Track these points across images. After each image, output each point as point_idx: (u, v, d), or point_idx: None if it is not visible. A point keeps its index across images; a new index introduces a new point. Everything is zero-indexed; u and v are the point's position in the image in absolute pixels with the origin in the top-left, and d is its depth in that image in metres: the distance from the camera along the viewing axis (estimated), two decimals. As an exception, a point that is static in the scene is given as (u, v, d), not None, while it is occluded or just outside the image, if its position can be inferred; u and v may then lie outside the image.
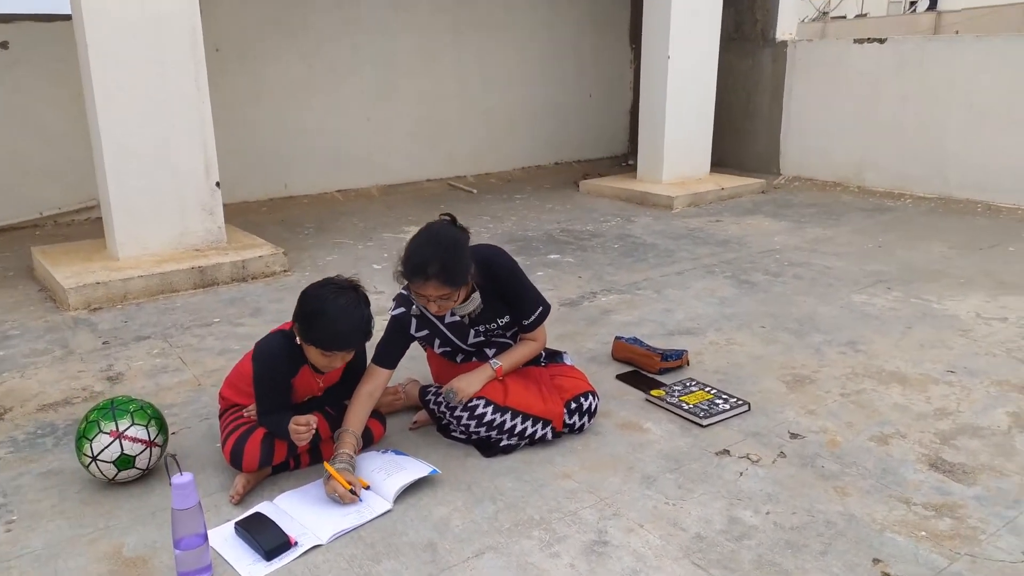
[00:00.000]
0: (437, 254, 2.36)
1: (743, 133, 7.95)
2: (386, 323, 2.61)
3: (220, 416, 2.57)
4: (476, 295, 2.57)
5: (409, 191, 7.41)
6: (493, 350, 2.71)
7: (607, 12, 8.77)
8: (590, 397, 2.68)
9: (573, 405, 2.63)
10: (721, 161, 7.60)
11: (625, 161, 8.96)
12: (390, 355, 2.56)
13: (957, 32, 24.38)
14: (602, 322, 3.78)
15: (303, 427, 2.23)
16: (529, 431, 2.56)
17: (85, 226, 5.95)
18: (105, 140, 4.26)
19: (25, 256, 5.08)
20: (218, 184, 4.68)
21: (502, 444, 2.54)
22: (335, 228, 5.94)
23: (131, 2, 4.18)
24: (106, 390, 3.09)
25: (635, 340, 3.36)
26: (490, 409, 2.53)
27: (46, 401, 3.00)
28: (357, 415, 2.43)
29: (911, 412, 2.79)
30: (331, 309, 2.23)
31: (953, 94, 6.32)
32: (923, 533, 2.10)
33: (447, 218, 2.53)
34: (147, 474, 2.40)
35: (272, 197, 6.80)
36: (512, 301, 2.62)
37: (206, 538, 1.95)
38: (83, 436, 2.30)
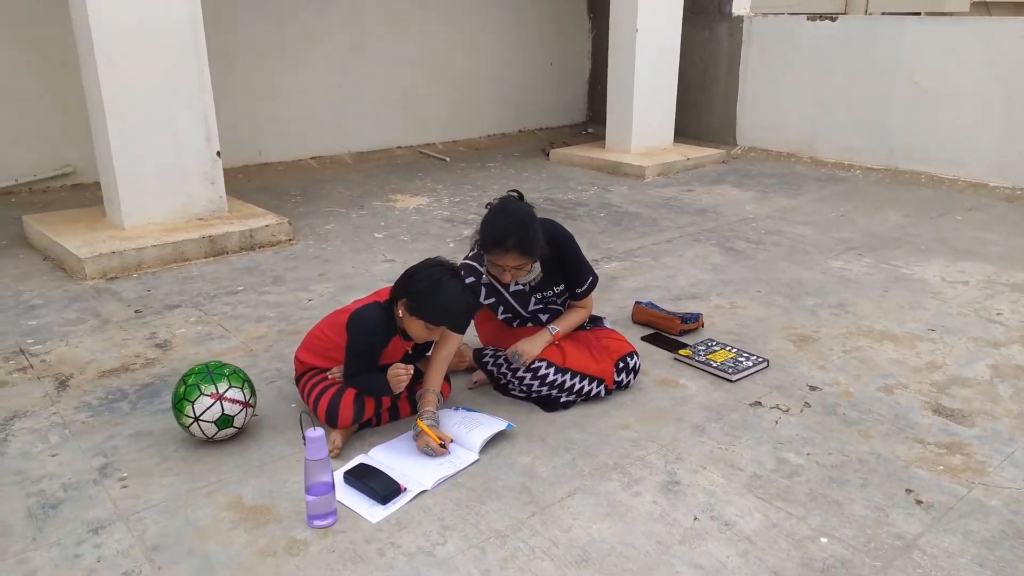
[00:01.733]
0: (515, 228, 2.59)
1: (700, 105, 8.30)
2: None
3: (298, 379, 2.73)
4: (537, 265, 2.80)
5: (382, 158, 7.47)
6: (547, 316, 2.94)
7: (567, -19, 8.93)
8: (634, 357, 2.95)
9: (620, 364, 2.90)
10: (681, 131, 7.91)
11: (585, 129, 9.22)
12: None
13: (867, 2, 25.62)
14: (612, 288, 4.06)
15: (403, 372, 2.42)
16: (585, 389, 2.82)
17: (61, 193, 5.82)
18: (108, 110, 4.22)
19: (11, 224, 4.98)
20: (219, 153, 4.70)
21: (562, 401, 2.80)
22: (321, 196, 5.99)
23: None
24: (159, 357, 3.18)
25: (652, 304, 3.65)
26: (552, 370, 2.78)
27: (104, 368, 3.07)
28: (437, 376, 2.64)
29: (907, 366, 3.18)
30: (444, 290, 2.42)
31: (898, 71, 6.80)
32: (941, 468, 2.47)
33: (515, 194, 2.74)
34: (240, 432, 2.55)
35: (247, 164, 6.76)
36: (569, 271, 2.87)
37: (333, 486, 2.14)
38: (183, 399, 2.43)
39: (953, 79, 6.45)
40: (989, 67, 6.21)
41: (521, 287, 2.86)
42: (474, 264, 2.80)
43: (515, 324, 2.96)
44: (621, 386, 2.92)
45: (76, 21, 4.25)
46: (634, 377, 2.95)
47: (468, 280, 2.78)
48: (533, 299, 2.89)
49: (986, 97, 6.25)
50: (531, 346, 2.80)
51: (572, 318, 2.95)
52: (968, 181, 6.38)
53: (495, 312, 2.92)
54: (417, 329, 2.48)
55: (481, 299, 2.83)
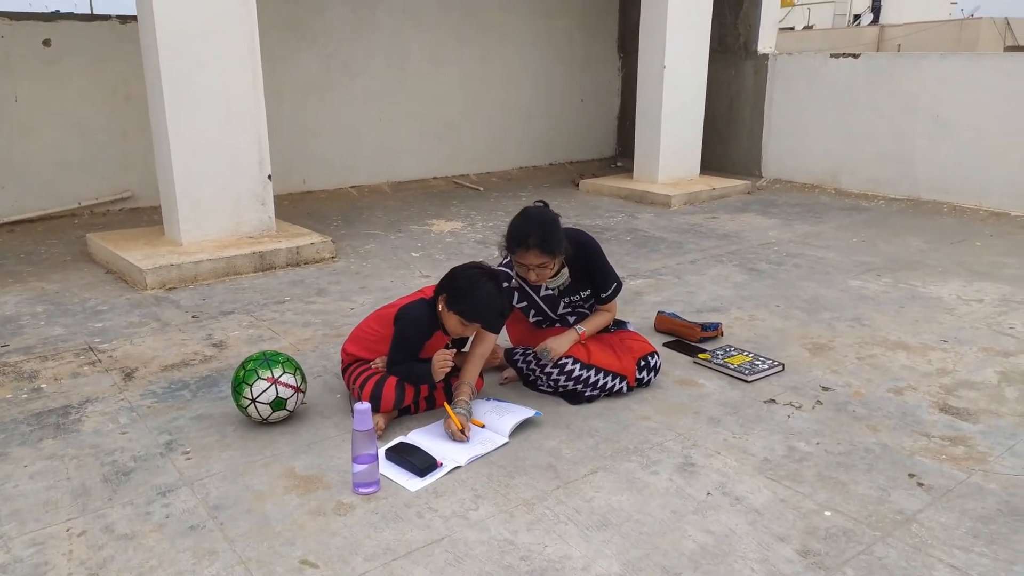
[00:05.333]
0: (536, 228, 2.84)
1: (727, 138, 8.55)
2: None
3: (344, 370, 2.97)
4: (565, 270, 3.03)
5: (418, 188, 7.81)
6: (574, 319, 3.16)
7: (597, 22, 9.30)
8: (655, 356, 3.15)
9: (642, 363, 3.10)
10: (707, 163, 8.16)
11: (614, 163, 9.50)
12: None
13: (899, 46, 25.81)
14: (637, 302, 4.27)
15: (448, 357, 2.66)
16: (609, 384, 3.02)
17: (120, 215, 6.22)
18: (172, 135, 4.58)
19: (75, 242, 5.36)
20: (270, 177, 5.04)
21: (586, 395, 3.00)
22: (361, 220, 6.32)
23: (197, 10, 4.52)
24: (216, 355, 3.45)
25: (674, 314, 3.85)
26: (578, 366, 2.99)
27: (166, 363, 3.35)
28: (472, 370, 2.86)
29: (917, 371, 3.33)
30: (482, 290, 2.66)
31: (919, 106, 6.99)
32: (943, 456, 2.62)
33: (541, 203, 2.99)
34: (291, 416, 2.79)
35: (291, 192, 7.13)
36: (595, 276, 3.10)
37: (377, 457, 2.37)
38: (243, 382, 2.68)
39: (974, 113, 6.61)
40: (1009, 101, 6.37)
41: (551, 291, 3.09)
42: (507, 270, 3.04)
43: (544, 326, 3.19)
44: (642, 383, 3.11)
45: (147, 59, 4.64)
46: (655, 375, 3.15)
47: (503, 269, 3.02)
48: (562, 303, 3.12)
49: (1007, 130, 6.41)
50: (559, 344, 3.02)
51: (598, 320, 3.16)
52: (989, 210, 6.50)
53: (527, 315, 3.14)
54: (453, 324, 2.71)
55: (514, 302, 3.07)
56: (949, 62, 6.90)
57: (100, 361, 3.39)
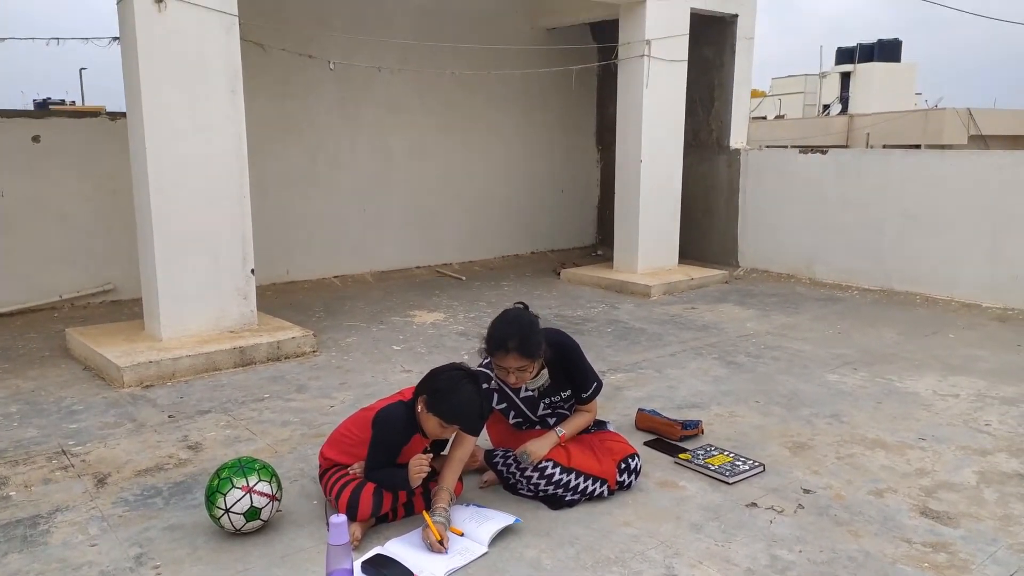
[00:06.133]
0: (516, 331, 2.87)
1: (704, 228, 8.75)
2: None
3: (321, 475, 2.93)
4: (545, 371, 3.05)
5: (400, 277, 7.87)
6: (554, 420, 3.17)
7: (576, 116, 9.62)
8: (636, 458, 3.15)
9: (623, 465, 3.09)
10: (685, 253, 8.32)
11: (594, 251, 9.65)
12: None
13: (868, 134, 26.81)
14: (618, 398, 4.27)
15: (424, 463, 2.63)
16: (589, 489, 3.00)
17: (100, 309, 6.20)
18: (156, 231, 4.63)
19: (54, 336, 5.32)
20: (253, 271, 5.08)
21: (567, 499, 2.97)
22: (343, 312, 6.33)
23: (186, 110, 4.64)
24: (191, 458, 3.40)
25: (654, 412, 3.86)
26: (558, 470, 2.97)
27: (139, 468, 3.29)
28: (451, 475, 2.83)
29: (896, 472, 3.34)
30: (461, 392, 2.66)
31: (887, 199, 7.22)
32: (926, 564, 2.61)
33: (520, 305, 3.03)
34: (265, 525, 2.74)
35: (275, 282, 7.16)
36: (575, 376, 3.11)
37: (352, 572, 2.32)
38: (216, 491, 2.64)
39: (941, 207, 6.84)
40: (974, 196, 6.61)
41: (531, 393, 3.10)
42: (487, 371, 3.06)
43: (524, 428, 3.18)
44: (623, 486, 3.09)
45: (135, 156, 4.74)
46: (636, 478, 3.13)
47: (482, 371, 3.03)
48: (542, 404, 3.12)
49: (973, 224, 6.62)
50: (539, 447, 3.01)
51: (578, 421, 3.16)
52: (961, 301, 6.65)
53: (507, 416, 3.14)
54: (432, 426, 2.70)
55: (494, 404, 3.07)
56: (914, 158, 7.18)
57: (73, 466, 3.32)
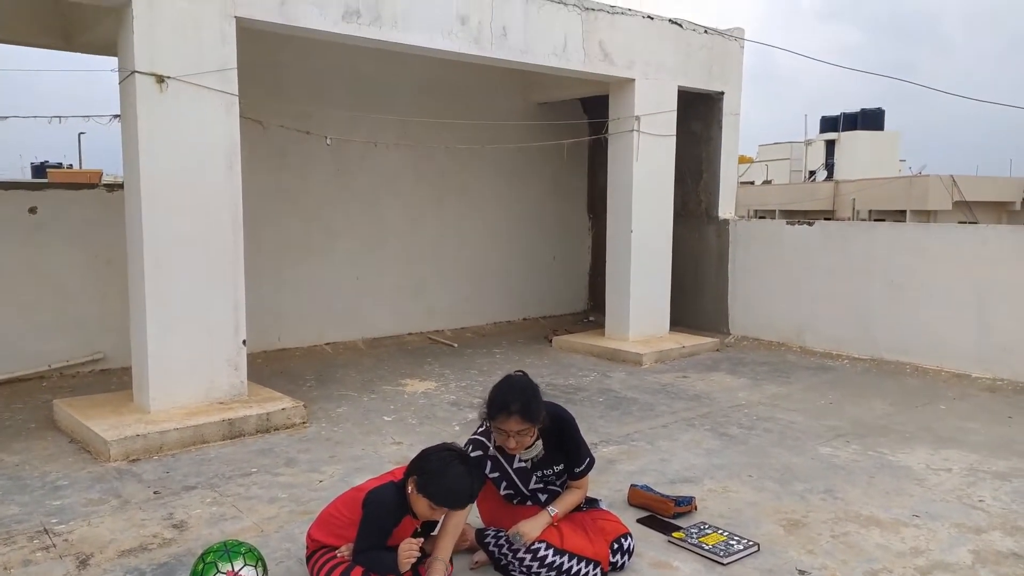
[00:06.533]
0: (518, 395, 2.93)
1: (694, 296, 8.81)
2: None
3: (308, 557, 2.89)
4: (539, 443, 3.06)
5: (392, 344, 7.87)
6: (545, 496, 3.14)
7: (567, 184, 9.78)
8: (629, 538, 3.11)
9: (615, 546, 3.06)
10: (677, 320, 8.36)
11: (586, 317, 9.69)
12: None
13: (854, 200, 27.29)
14: (610, 471, 4.24)
15: (414, 548, 2.59)
16: (583, 572, 2.95)
17: (89, 378, 6.15)
18: (150, 303, 4.64)
19: (41, 407, 5.27)
20: (244, 342, 5.07)
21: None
22: (334, 380, 6.31)
23: (183, 186, 4.71)
24: (175, 537, 3.34)
25: (647, 488, 3.83)
26: (551, 552, 2.94)
27: (123, 548, 3.23)
28: (446, 545, 2.81)
29: (891, 551, 3.31)
30: (451, 474, 2.66)
31: (873, 270, 7.32)
32: (923, 650, 2.56)
33: (520, 373, 3.06)
34: (251, 612, 2.67)
35: (266, 349, 7.14)
36: (569, 450, 3.13)
37: (340, 664, 2.26)
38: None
39: (926, 278, 6.93)
40: (958, 268, 6.70)
41: (524, 464, 3.09)
42: (482, 439, 3.07)
43: (515, 501, 3.15)
44: (616, 567, 3.05)
45: (130, 228, 4.79)
46: (628, 559, 3.09)
47: (475, 454, 3.02)
48: (534, 477, 3.11)
49: (959, 294, 6.70)
50: (531, 527, 2.98)
51: (570, 499, 3.14)
52: (951, 372, 6.67)
53: (498, 487, 3.12)
54: (422, 507, 2.68)
55: (487, 471, 3.06)
56: (898, 231, 7.32)
57: (55, 546, 3.25)
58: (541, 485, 3.14)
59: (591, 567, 2.97)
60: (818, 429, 5.07)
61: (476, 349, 7.74)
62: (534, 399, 2.95)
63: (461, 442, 3.09)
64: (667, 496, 3.72)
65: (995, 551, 3.30)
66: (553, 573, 2.92)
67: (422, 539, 2.67)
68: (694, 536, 3.36)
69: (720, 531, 3.42)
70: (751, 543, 3.31)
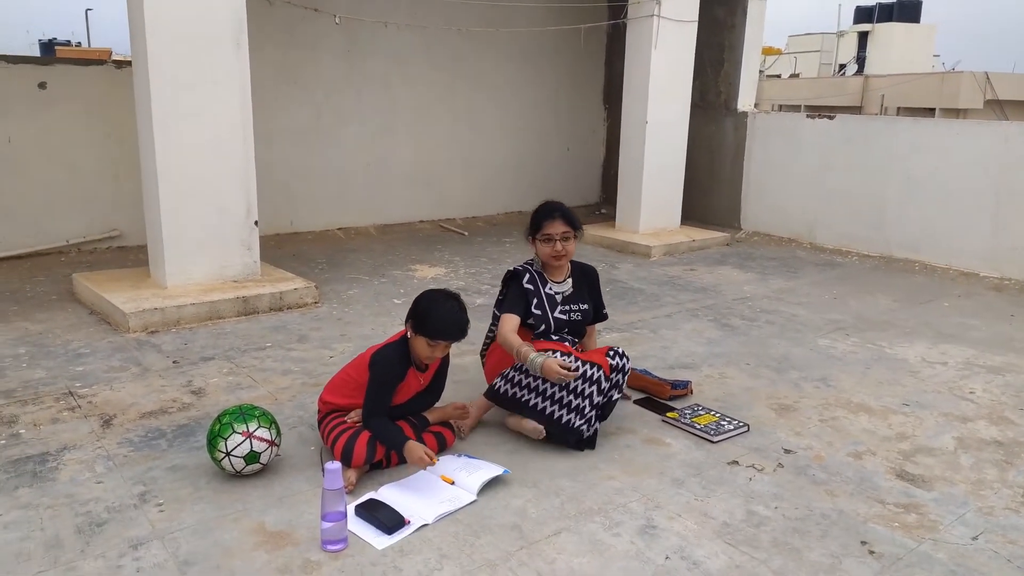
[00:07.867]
0: (559, 204, 3.41)
1: (708, 190, 8.75)
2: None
3: (320, 420, 3.05)
4: (571, 280, 3.46)
5: (404, 231, 7.93)
6: (557, 338, 3.38)
7: (583, 74, 9.55)
8: (618, 348, 3.31)
9: (611, 352, 3.24)
10: (688, 214, 8.34)
11: (598, 209, 9.67)
12: (518, 307, 3.33)
13: (883, 96, 26.43)
14: (611, 356, 4.36)
15: (428, 457, 2.75)
16: (596, 376, 3.10)
17: (106, 254, 6.29)
18: (162, 181, 4.69)
19: (61, 280, 5.42)
20: (256, 223, 5.14)
21: (574, 425, 3.07)
22: (346, 264, 6.41)
23: (191, 61, 4.65)
24: (194, 402, 3.51)
25: (646, 371, 3.95)
26: (568, 358, 3.12)
27: (144, 410, 3.41)
28: (517, 340, 3.17)
29: (877, 435, 3.43)
30: (441, 308, 2.86)
31: (892, 167, 7.21)
32: (896, 524, 2.71)
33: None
34: (264, 469, 2.85)
35: (279, 232, 7.23)
36: (595, 296, 3.54)
37: (346, 515, 2.43)
38: (218, 436, 2.75)
39: (944, 177, 6.83)
40: (977, 166, 6.59)
41: (555, 293, 3.41)
42: (526, 265, 3.47)
43: (536, 331, 3.37)
44: (616, 369, 3.19)
45: (140, 106, 4.77)
46: (627, 361, 3.26)
47: (524, 278, 3.37)
48: (559, 308, 3.41)
49: (976, 193, 6.62)
50: (544, 357, 3.10)
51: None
52: (959, 270, 6.68)
53: (529, 307, 3.34)
54: (421, 347, 2.86)
55: (523, 282, 3.36)
56: (921, 126, 7.14)
57: (80, 407, 3.44)
58: (565, 317, 3.42)
59: (596, 369, 3.13)
60: (819, 322, 5.15)
61: (487, 237, 7.80)
62: (572, 211, 3.41)
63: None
64: (664, 379, 3.84)
65: (978, 438, 3.42)
66: (566, 392, 3.09)
67: (435, 457, 2.80)
68: (687, 416, 3.50)
69: (713, 413, 3.55)
70: (741, 424, 3.45)
